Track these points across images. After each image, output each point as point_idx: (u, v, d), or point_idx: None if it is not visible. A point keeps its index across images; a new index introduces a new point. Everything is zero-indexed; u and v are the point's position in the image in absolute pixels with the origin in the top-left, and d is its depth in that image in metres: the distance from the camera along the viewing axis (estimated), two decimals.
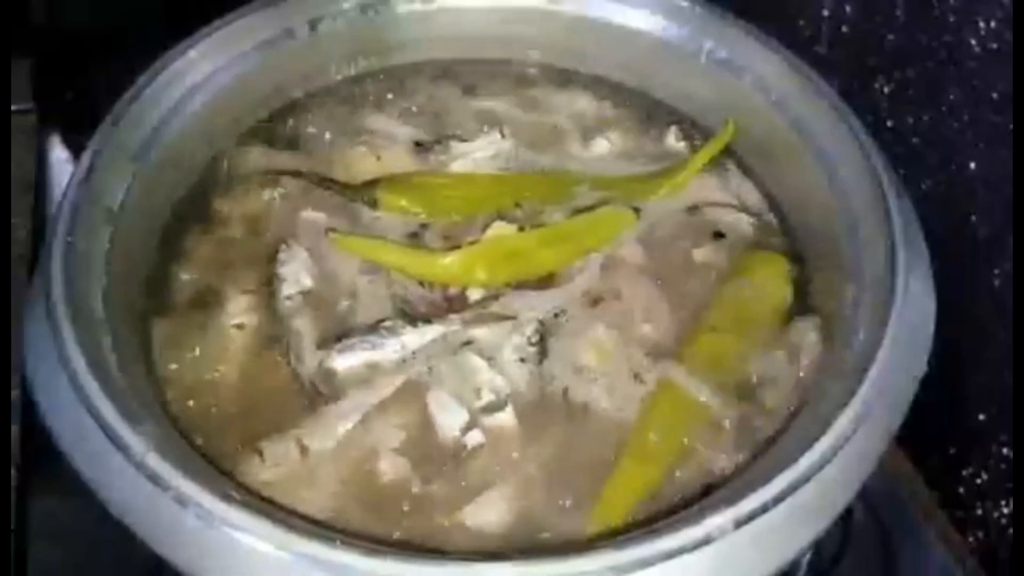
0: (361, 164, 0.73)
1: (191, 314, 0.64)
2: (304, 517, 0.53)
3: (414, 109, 0.78)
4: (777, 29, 0.72)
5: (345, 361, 0.61)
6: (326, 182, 0.71)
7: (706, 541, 0.47)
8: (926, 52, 0.69)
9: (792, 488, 0.48)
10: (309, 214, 0.69)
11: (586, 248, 0.67)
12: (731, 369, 0.62)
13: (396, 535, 0.55)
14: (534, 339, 0.62)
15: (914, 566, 0.72)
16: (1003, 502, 0.69)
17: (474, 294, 0.65)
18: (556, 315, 0.64)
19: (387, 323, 0.62)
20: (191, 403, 0.60)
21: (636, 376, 0.62)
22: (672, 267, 0.68)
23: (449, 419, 0.59)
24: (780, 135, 0.70)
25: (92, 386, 0.51)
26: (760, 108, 0.71)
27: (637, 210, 0.70)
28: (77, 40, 0.98)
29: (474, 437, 0.58)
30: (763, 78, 0.71)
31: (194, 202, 0.70)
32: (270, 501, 0.53)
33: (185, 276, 0.66)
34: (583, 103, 0.79)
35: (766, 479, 0.49)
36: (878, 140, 0.64)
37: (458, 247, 0.66)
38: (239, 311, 0.64)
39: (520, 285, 0.65)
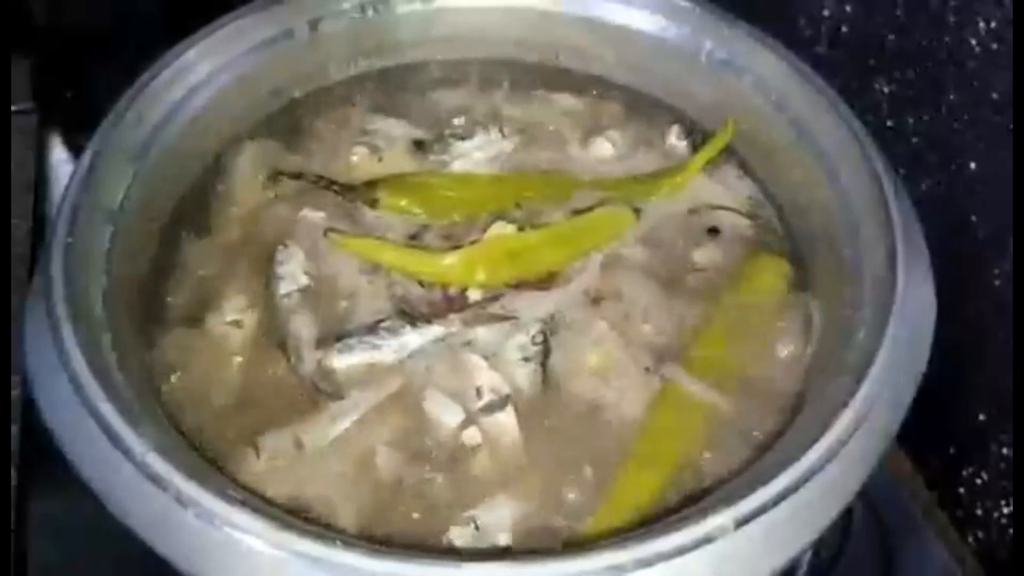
0: (361, 164, 0.73)
1: (191, 314, 0.64)
2: (299, 514, 0.53)
3: (414, 109, 0.78)
4: (777, 29, 0.72)
5: (344, 360, 0.61)
6: (326, 182, 0.71)
7: (706, 541, 0.46)
8: (926, 52, 0.69)
9: (792, 488, 0.48)
10: (309, 214, 0.69)
11: (586, 248, 0.67)
12: (732, 370, 0.62)
13: (392, 533, 0.55)
14: (538, 339, 0.62)
15: (914, 566, 0.72)
16: (1003, 502, 0.69)
17: (474, 294, 0.65)
18: (557, 315, 0.64)
19: (387, 323, 0.62)
20: (191, 403, 0.60)
21: (638, 376, 0.61)
22: (672, 267, 0.68)
23: (446, 417, 0.59)
24: (780, 135, 0.70)
25: (92, 386, 0.51)
26: (760, 108, 0.71)
27: (637, 210, 0.70)
28: (77, 40, 0.99)
29: (472, 436, 0.58)
30: (763, 78, 0.71)
31: (194, 202, 0.70)
32: (266, 498, 0.53)
33: (185, 276, 0.66)
34: (583, 103, 0.79)
35: (766, 479, 0.48)
36: (878, 140, 0.64)
37: (458, 247, 0.66)
38: (239, 310, 0.64)
39: (520, 285, 0.65)
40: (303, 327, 0.63)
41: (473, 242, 0.67)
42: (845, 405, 0.51)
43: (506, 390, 0.60)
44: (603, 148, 0.75)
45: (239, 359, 0.62)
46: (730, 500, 0.48)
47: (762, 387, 0.61)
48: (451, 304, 0.65)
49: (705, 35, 0.74)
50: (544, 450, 0.59)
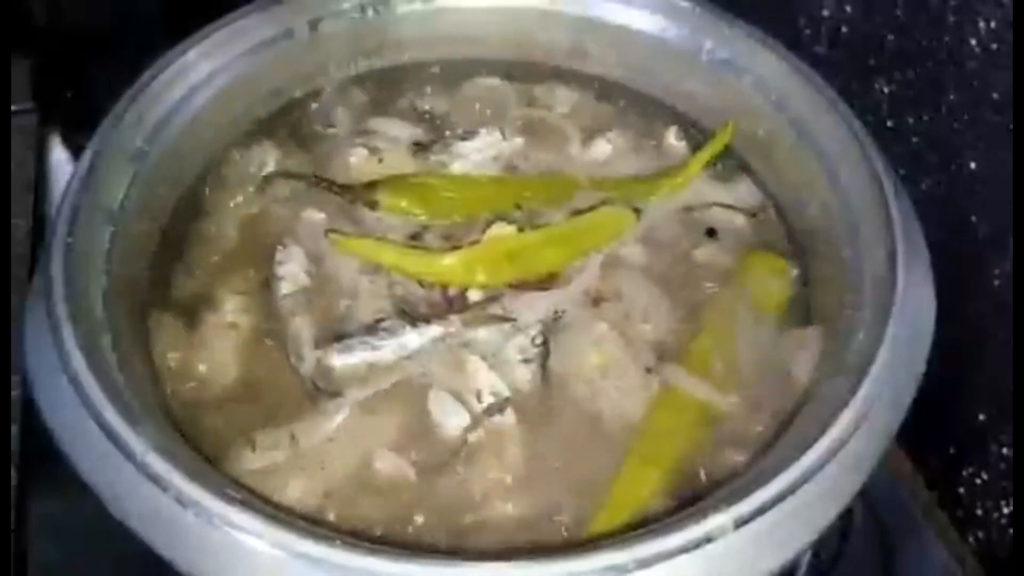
0: (361, 165, 0.73)
1: (191, 314, 0.64)
2: (297, 513, 0.53)
3: (414, 109, 0.78)
4: (777, 29, 0.72)
5: (344, 360, 0.61)
6: (326, 183, 0.71)
7: (706, 541, 0.47)
8: (926, 52, 0.69)
9: (792, 488, 0.48)
10: (309, 215, 0.69)
11: (586, 248, 0.67)
12: (731, 369, 0.62)
13: (393, 533, 0.55)
14: (537, 340, 0.62)
15: (914, 566, 0.73)
16: (1003, 502, 0.69)
17: (474, 295, 0.65)
18: (557, 315, 0.64)
19: (386, 323, 0.62)
20: (191, 403, 0.60)
21: (638, 377, 0.61)
22: (672, 267, 0.68)
23: (448, 418, 0.59)
24: (780, 135, 0.70)
25: (92, 386, 0.51)
26: (760, 108, 0.71)
27: (637, 210, 0.70)
28: (77, 40, 0.99)
29: (474, 436, 0.58)
30: (763, 78, 0.71)
31: (194, 202, 0.70)
32: (266, 498, 0.53)
33: (185, 276, 0.66)
34: (583, 103, 0.79)
35: (766, 479, 0.49)
36: (878, 140, 0.64)
37: (458, 248, 0.66)
38: (238, 310, 0.64)
39: (520, 286, 0.65)
40: (303, 327, 0.63)
41: (473, 243, 0.66)
42: (845, 405, 0.51)
43: (506, 392, 0.60)
44: (603, 149, 0.75)
45: (239, 359, 0.62)
46: (730, 500, 0.48)
47: (762, 387, 0.61)
48: (451, 304, 0.64)
49: (705, 35, 0.74)
50: (544, 450, 0.59)
